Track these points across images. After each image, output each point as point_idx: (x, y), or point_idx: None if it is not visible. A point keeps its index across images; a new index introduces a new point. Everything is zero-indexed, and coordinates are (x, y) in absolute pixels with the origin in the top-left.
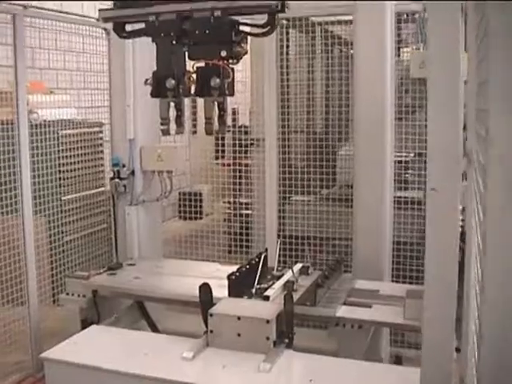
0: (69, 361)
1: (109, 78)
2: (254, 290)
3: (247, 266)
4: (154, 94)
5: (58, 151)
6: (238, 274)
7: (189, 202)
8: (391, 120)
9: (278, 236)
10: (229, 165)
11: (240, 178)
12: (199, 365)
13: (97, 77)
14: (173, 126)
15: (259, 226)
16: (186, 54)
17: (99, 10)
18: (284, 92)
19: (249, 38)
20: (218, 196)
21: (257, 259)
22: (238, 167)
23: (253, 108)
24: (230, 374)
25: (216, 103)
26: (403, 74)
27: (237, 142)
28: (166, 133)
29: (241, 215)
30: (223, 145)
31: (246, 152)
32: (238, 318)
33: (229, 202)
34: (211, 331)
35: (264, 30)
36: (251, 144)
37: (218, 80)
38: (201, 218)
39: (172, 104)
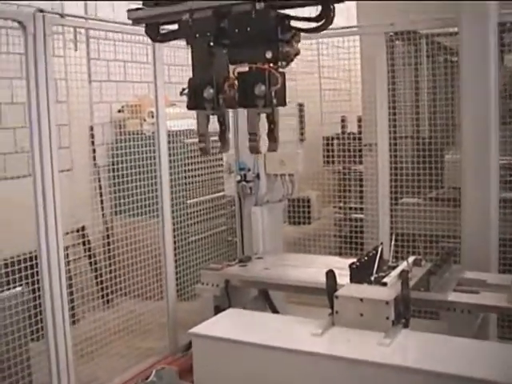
0: (213, 335)
1: None
2: (372, 278)
3: (365, 258)
4: (189, 106)
5: (184, 158)
6: (358, 263)
7: (297, 207)
8: (495, 124)
9: (391, 233)
10: (338, 171)
11: (349, 182)
12: (327, 339)
13: None
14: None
15: (372, 229)
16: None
17: (128, 11)
18: (393, 100)
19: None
20: (325, 202)
21: (374, 252)
22: (347, 171)
23: (364, 115)
24: (355, 347)
25: (265, 116)
26: (506, 80)
27: (346, 147)
28: (205, 152)
29: (351, 219)
30: (332, 150)
31: (355, 157)
32: (361, 300)
33: (339, 208)
34: (336, 312)
35: (318, 24)
36: (360, 150)
37: (263, 87)
38: (309, 223)
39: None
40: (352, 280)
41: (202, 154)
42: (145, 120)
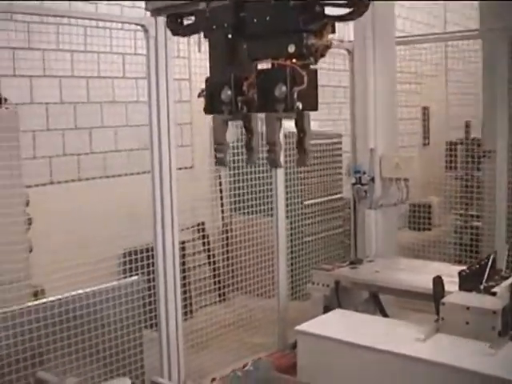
0: (318, 333)
1: (351, 93)
2: (482, 287)
3: (477, 266)
4: (206, 110)
5: None
6: (468, 271)
7: (418, 213)
8: None
9: (507, 242)
10: (461, 177)
11: (471, 189)
12: (430, 345)
13: (333, 92)
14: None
15: (489, 238)
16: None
17: (146, 2)
18: None
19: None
20: (447, 208)
21: (486, 260)
22: (470, 178)
23: (485, 121)
24: (458, 355)
25: (294, 123)
26: None
27: (469, 153)
28: (222, 163)
29: (471, 227)
30: (455, 156)
31: (479, 163)
32: (467, 308)
33: (460, 215)
34: (442, 318)
35: (349, 10)
36: (483, 156)
37: (283, 88)
38: (429, 230)
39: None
40: (461, 288)
41: (219, 165)
42: None
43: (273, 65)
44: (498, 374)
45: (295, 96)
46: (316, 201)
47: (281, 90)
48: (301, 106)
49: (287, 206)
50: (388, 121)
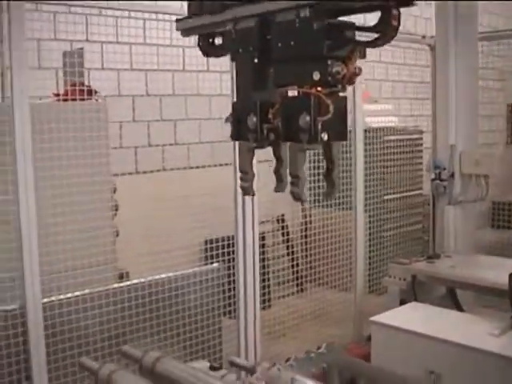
0: (391, 324)
1: (432, 88)
2: None
3: None
4: (233, 137)
5: (382, 154)
6: None
7: (502, 211)
8: None
9: None
10: None
11: None
12: (504, 340)
13: (416, 87)
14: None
15: None
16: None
17: (176, 21)
18: None
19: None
20: None
21: None
22: None
23: None
24: None
25: (324, 152)
26: None
27: None
28: (246, 193)
29: None
30: None
31: None
32: None
33: None
34: None
35: (377, 35)
36: None
37: (307, 118)
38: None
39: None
40: None
41: (244, 195)
42: None
43: (298, 92)
44: None
45: (319, 127)
46: (395, 196)
47: (304, 119)
48: (326, 137)
49: (366, 199)
50: (469, 117)
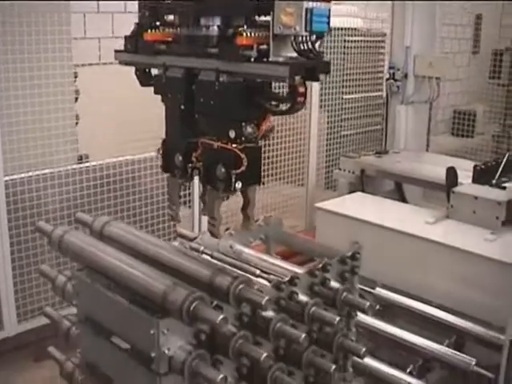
0: (334, 210)
1: None
2: (493, 181)
3: (493, 163)
4: (163, 169)
5: (343, 53)
6: (483, 166)
7: (462, 120)
8: None
9: None
10: (503, 85)
11: None
12: (437, 228)
13: None
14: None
15: None
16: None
17: (115, 51)
18: None
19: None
20: (491, 118)
21: (502, 158)
22: None
23: None
24: (463, 238)
25: (240, 192)
26: None
27: None
28: (173, 219)
29: (509, 137)
30: (500, 66)
31: None
32: (475, 198)
33: (499, 124)
34: (451, 206)
35: (289, 105)
36: None
37: (223, 170)
38: (472, 137)
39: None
40: (474, 181)
41: (172, 221)
42: None
43: (217, 145)
44: (495, 256)
45: (233, 179)
46: (355, 96)
47: (221, 170)
48: (240, 186)
49: (325, 100)
50: (426, 21)
